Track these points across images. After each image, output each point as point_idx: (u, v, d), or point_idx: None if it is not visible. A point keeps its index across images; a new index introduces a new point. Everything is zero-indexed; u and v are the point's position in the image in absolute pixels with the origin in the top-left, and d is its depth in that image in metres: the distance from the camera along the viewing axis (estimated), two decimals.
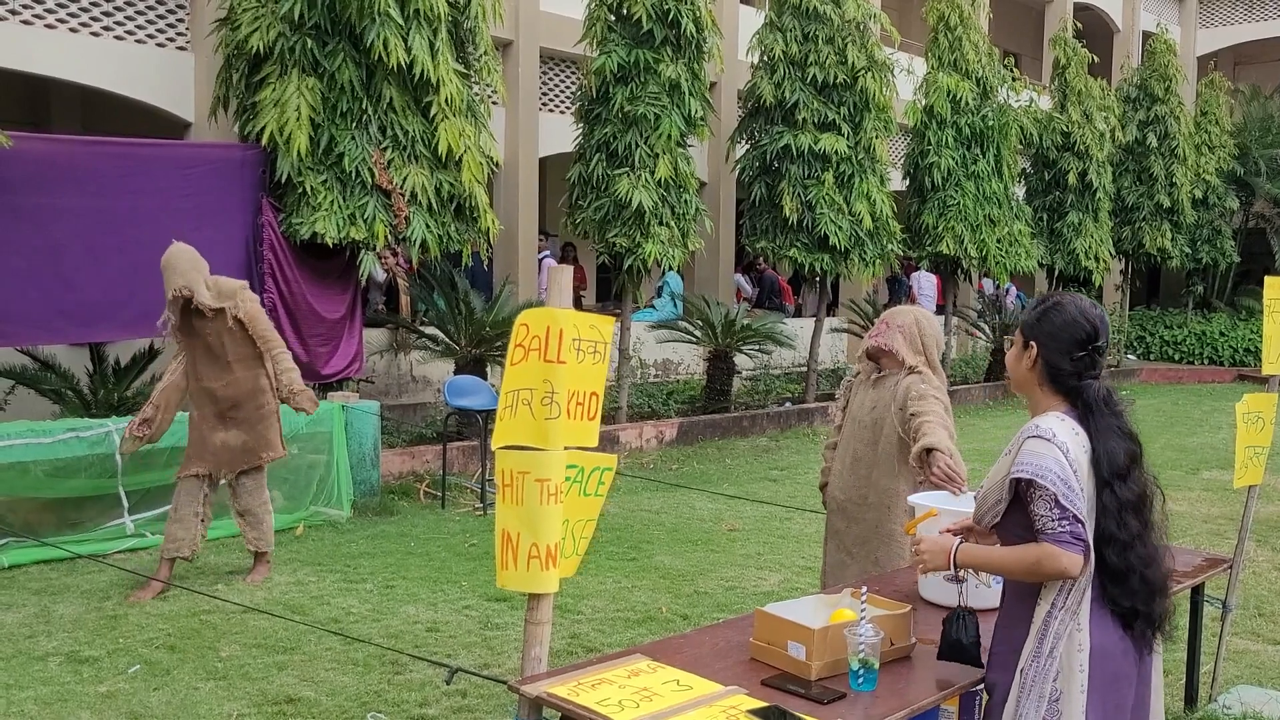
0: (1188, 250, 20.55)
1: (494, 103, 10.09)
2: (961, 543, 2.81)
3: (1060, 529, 2.56)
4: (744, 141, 12.88)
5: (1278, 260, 21.46)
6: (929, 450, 3.62)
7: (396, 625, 5.59)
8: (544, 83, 12.89)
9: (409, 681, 4.80)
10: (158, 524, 7.16)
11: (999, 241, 14.95)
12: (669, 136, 10.40)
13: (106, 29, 9.03)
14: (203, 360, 6.06)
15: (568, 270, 2.72)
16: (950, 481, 3.56)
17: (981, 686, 2.93)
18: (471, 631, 5.52)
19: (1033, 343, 2.72)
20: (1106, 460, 2.61)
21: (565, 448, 2.73)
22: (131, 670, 4.87)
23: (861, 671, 2.78)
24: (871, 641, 2.78)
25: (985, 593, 3.25)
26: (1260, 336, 19.25)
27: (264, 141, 8.06)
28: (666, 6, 10.32)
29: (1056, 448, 2.59)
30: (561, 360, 2.67)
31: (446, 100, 8.45)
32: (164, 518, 7.09)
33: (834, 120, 12.15)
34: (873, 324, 4.25)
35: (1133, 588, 2.62)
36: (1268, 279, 4.72)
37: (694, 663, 2.92)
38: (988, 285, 19.32)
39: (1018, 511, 2.68)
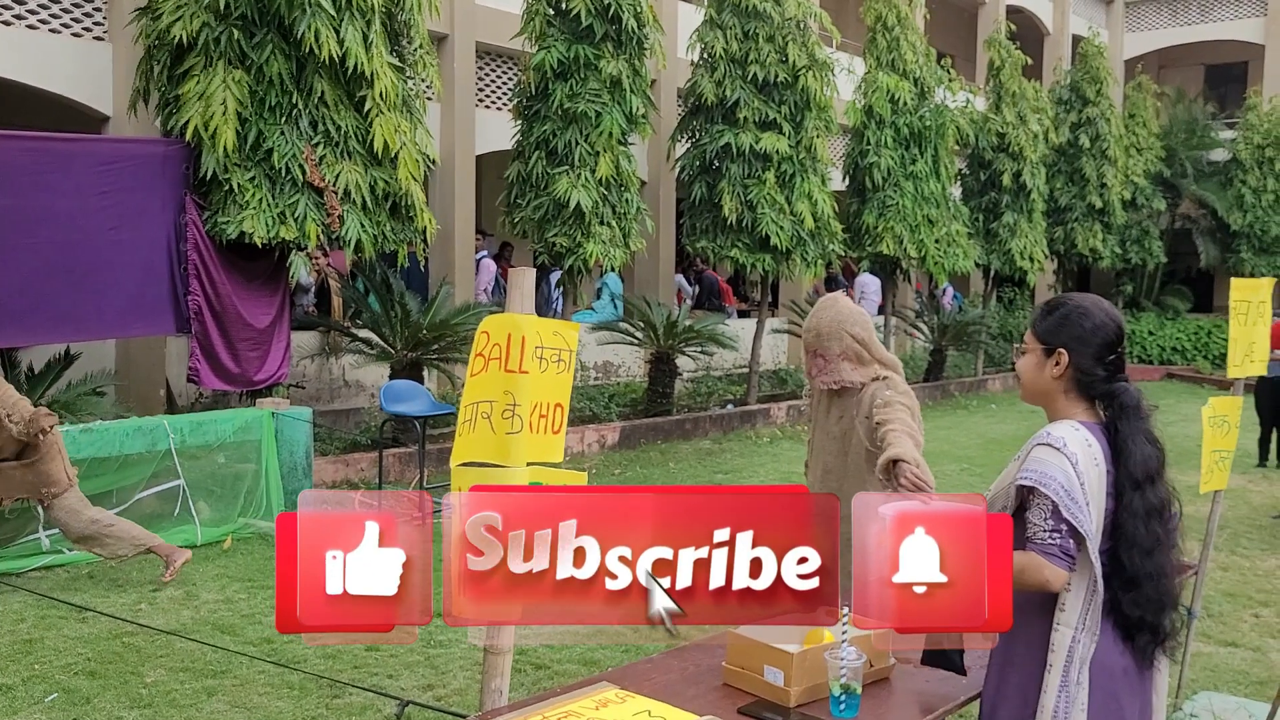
0: (1118, 250, 20.88)
1: (429, 98, 9.81)
2: None
3: (1050, 540, 2.47)
4: (684, 140, 12.71)
5: (1203, 260, 21.92)
6: (894, 461, 3.49)
7: (333, 644, 5.32)
8: (481, 78, 12.61)
9: (348, 705, 4.56)
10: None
11: (937, 242, 14.98)
12: (610, 134, 10.19)
13: (19, 17, 8.59)
14: None
15: (529, 273, 2.51)
16: (919, 491, 3.43)
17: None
18: (414, 649, 5.27)
19: (1061, 350, 2.60)
20: (1141, 464, 2.51)
21: (528, 464, 2.52)
22: (49, 699, 4.57)
23: (843, 697, 2.63)
24: (854, 665, 2.62)
25: None
26: (1187, 336, 19.42)
27: (188, 136, 7.70)
28: (607, 1, 10.11)
29: (1066, 457, 2.48)
30: (524, 370, 2.47)
31: (381, 95, 8.17)
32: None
33: (775, 119, 12.02)
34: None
35: (1146, 595, 2.52)
36: (1234, 281, 4.67)
37: (664, 690, 2.76)
38: (950, 295, 19.52)
39: (1023, 520, 2.56)
